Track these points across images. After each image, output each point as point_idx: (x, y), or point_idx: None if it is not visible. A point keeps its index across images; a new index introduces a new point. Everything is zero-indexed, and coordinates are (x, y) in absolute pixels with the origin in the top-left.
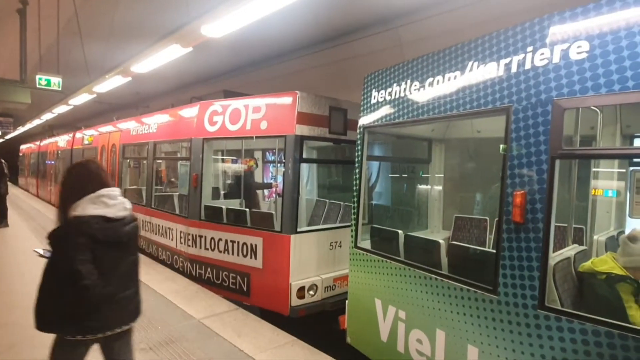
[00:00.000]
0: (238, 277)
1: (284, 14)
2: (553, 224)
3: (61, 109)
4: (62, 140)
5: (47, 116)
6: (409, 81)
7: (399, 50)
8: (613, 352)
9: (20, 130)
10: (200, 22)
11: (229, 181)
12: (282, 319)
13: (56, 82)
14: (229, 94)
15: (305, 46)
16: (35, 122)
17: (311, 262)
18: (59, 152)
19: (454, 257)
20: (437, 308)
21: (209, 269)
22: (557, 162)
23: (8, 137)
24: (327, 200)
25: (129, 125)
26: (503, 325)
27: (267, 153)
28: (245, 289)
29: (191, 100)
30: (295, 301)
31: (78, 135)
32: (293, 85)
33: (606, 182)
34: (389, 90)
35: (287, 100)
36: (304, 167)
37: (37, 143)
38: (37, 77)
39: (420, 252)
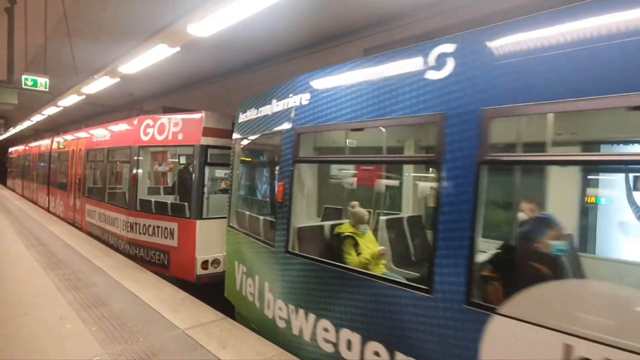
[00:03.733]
0: (161, 255)
1: (273, 13)
2: (295, 203)
3: (50, 111)
4: (43, 145)
5: (37, 118)
6: (253, 109)
7: None
8: (333, 279)
9: (11, 132)
10: (186, 20)
11: (168, 180)
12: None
13: (43, 82)
14: (168, 109)
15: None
16: (26, 124)
17: (214, 242)
18: (40, 154)
19: (264, 226)
20: (255, 261)
21: (141, 249)
22: (297, 165)
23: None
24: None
25: (92, 132)
26: (274, 264)
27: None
28: (165, 263)
29: (138, 114)
30: (199, 271)
31: (56, 140)
32: None
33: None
34: (245, 114)
35: (196, 117)
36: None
37: (23, 146)
38: (23, 77)
39: (253, 226)
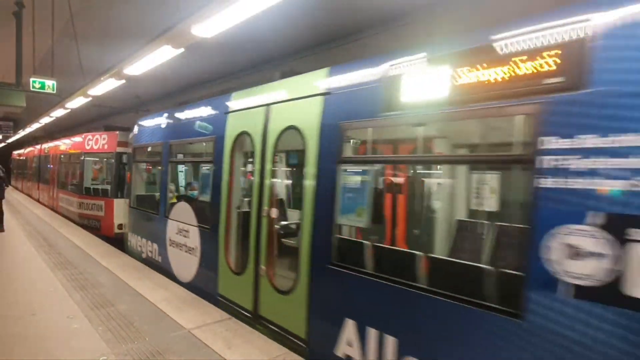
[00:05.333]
0: (96, 221)
1: (277, 13)
2: (133, 183)
3: (58, 113)
4: (36, 150)
5: (45, 120)
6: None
7: None
8: (146, 218)
9: (20, 134)
10: (190, 22)
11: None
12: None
13: (50, 84)
14: (109, 128)
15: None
16: (35, 126)
17: (125, 212)
18: (34, 157)
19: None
20: (127, 215)
21: (85, 219)
22: (135, 164)
23: (9, 141)
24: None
25: (63, 142)
26: (129, 214)
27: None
28: (98, 227)
29: (89, 130)
30: (116, 230)
31: (43, 146)
32: None
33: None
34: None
35: (114, 134)
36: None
37: (23, 150)
38: (31, 79)
39: (128, 197)
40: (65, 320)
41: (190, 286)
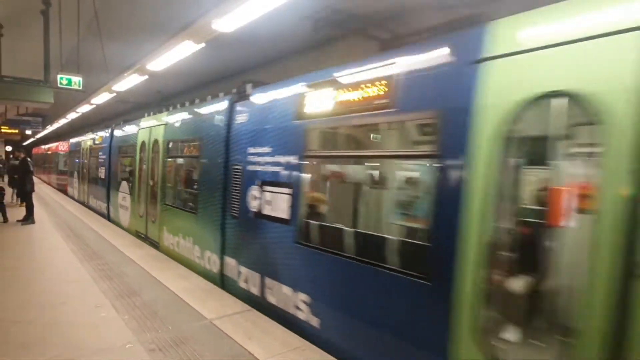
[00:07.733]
0: (64, 187)
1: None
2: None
3: (84, 109)
4: (43, 149)
5: (72, 115)
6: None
7: None
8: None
9: (48, 129)
10: (210, 17)
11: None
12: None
13: (77, 81)
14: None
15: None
16: (62, 122)
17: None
18: (45, 154)
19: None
20: (71, 180)
21: (60, 186)
22: (69, 158)
23: (38, 136)
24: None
25: (54, 144)
26: (68, 180)
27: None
28: (65, 190)
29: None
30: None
31: (46, 146)
32: None
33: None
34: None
35: (69, 141)
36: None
37: (37, 148)
38: (58, 76)
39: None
40: (93, 308)
41: (75, 199)
